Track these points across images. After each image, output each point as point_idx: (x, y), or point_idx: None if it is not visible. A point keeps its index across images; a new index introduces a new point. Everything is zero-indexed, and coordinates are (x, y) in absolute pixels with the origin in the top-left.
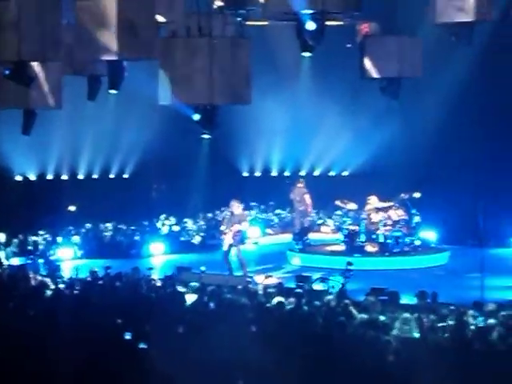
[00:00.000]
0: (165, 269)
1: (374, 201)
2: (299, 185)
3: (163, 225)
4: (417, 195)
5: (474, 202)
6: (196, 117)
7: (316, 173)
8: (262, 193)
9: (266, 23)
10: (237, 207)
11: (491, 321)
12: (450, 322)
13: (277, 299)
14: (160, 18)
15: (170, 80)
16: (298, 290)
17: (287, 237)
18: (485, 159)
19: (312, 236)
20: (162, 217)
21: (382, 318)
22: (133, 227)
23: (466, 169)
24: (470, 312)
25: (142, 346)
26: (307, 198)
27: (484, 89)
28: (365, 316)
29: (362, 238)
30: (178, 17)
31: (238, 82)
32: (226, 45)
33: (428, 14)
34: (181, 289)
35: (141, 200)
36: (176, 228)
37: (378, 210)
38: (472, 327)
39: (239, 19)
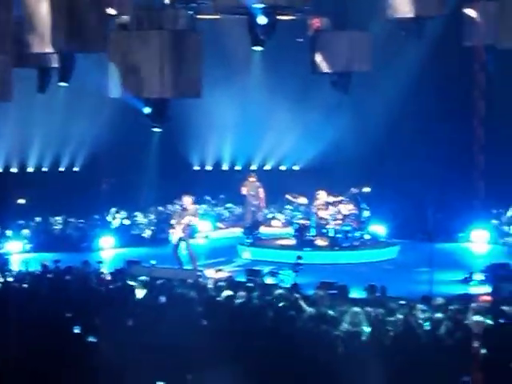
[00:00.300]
0: (115, 263)
1: (322, 195)
2: (251, 179)
3: (114, 218)
4: (366, 190)
5: (423, 197)
6: (147, 110)
7: (267, 167)
8: (213, 187)
9: (217, 17)
10: (188, 201)
11: (439, 315)
12: (399, 316)
13: (226, 293)
14: (110, 11)
15: (120, 73)
16: (249, 284)
17: (238, 231)
18: (435, 154)
19: (263, 230)
20: (113, 210)
21: (331, 312)
22: (83, 221)
23: (416, 164)
24: (419, 306)
25: (91, 339)
26: (261, 192)
27: (435, 82)
28: (314, 310)
29: (312, 232)
30: (128, 9)
31: (188, 76)
32: (176, 38)
33: (379, 8)
34: (131, 282)
35: (91, 193)
36: (126, 222)
37: (327, 204)
38: (420, 321)
39: (190, 13)
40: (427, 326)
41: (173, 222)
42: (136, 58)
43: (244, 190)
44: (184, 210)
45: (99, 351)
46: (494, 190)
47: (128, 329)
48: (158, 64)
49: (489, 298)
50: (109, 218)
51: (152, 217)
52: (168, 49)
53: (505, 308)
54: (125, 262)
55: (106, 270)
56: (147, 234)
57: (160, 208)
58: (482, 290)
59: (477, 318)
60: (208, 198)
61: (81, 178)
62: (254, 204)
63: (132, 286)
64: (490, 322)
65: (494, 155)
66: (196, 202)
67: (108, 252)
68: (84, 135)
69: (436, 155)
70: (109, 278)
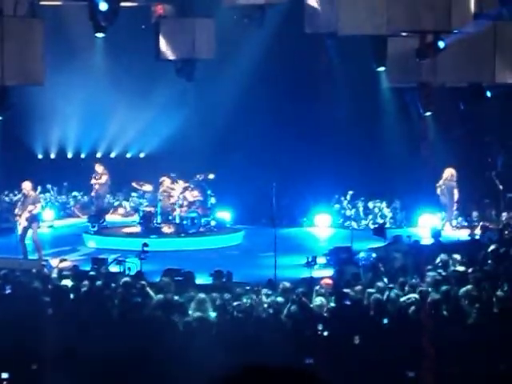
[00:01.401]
0: None
1: (166, 182)
2: (98, 167)
3: None
4: (211, 177)
5: (266, 183)
6: None
7: (112, 154)
8: (58, 175)
9: (59, 3)
10: (27, 186)
11: (281, 299)
12: (245, 301)
13: (69, 282)
14: None
15: None
16: (92, 273)
17: (83, 219)
18: (280, 140)
19: (108, 218)
20: None
21: (177, 298)
22: None
23: (261, 150)
24: (264, 290)
25: None
26: (105, 179)
27: (279, 70)
28: (161, 297)
29: (159, 219)
30: None
31: (30, 63)
32: (17, 25)
33: None
34: None
35: None
36: None
37: (172, 190)
38: (265, 305)
39: None
40: (270, 310)
41: (17, 211)
42: None
43: (93, 180)
44: (25, 197)
45: None
46: (335, 174)
47: None
48: None
49: (330, 280)
50: None
51: None
52: (8, 36)
53: (347, 290)
54: None
55: None
56: None
57: (3, 197)
58: (325, 274)
59: (320, 299)
60: (51, 186)
61: None
62: (100, 192)
63: None
64: (332, 304)
65: (335, 138)
66: (40, 191)
67: None
68: None
69: (280, 142)
70: None
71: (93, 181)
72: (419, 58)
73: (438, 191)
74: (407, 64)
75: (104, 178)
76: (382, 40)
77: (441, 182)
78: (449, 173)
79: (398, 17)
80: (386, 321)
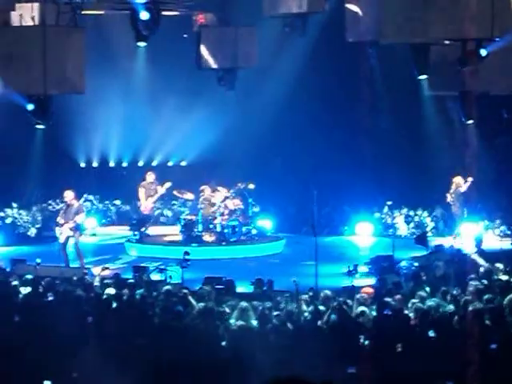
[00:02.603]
0: None
1: (207, 191)
2: (149, 175)
3: None
4: (251, 186)
5: (308, 192)
6: (30, 107)
7: (154, 163)
8: (100, 184)
9: (100, 12)
10: (69, 196)
11: (322, 307)
12: (286, 309)
13: (109, 290)
14: None
15: (2, 69)
16: (131, 281)
17: (125, 228)
18: (321, 149)
19: (150, 226)
20: None
21: (218, 307)
22: None
23: (302, 158)
24: (305, 296)
25: None
26: (159, 189)
27: (320, 79)
28: (202, 305)
29: (200, 227)
30: (9, 5)
31: (71, 72)
32: (59, 34)
33: (263, 5)
34: (14, 282)
35: None
36: (9, 220)
37: (212, 198)
38: (306, 314)
39: (73, 8)
40: (308, 316)
41: (59, 219)
42: (19, 54)
43: (141, 191)
44: (68, 206)
45: None
46: (376, 183)
47: (15, 326)
48: (40, 60)
49: (371, 289)
50: None
51: (37, 214)
52: (51, 44)
53: (388, 299)
54: (9, 260)
55: None
56: (32, 232)
57: (46, 206)
58: (366, 282)
59: (361, 309)
60: (92, 195)
61: None
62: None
63: (15, 285)
64: (374, 313)
65: (376, 146)
66: (82, 200)
67: None
68: None
69: (321, 150)
70: None
71: (141, 191)
72: (461, 66)
73: (449, 200)
74: (449, 72)
75: (156, 188)
76: (423, 48)
77: (451, 190)
78: (457, 181)
79: (439, 25)
80: (428, 330)
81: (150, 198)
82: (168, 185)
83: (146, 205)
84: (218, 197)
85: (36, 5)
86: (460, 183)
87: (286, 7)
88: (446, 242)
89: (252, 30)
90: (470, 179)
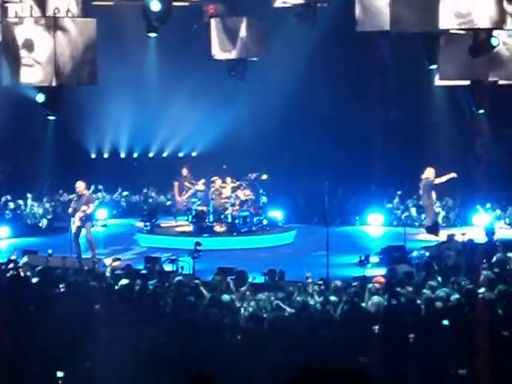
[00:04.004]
0: (8, 252)
1: (218, 181)
2: (184, 171)
3: (7, 207)
4: (264, 177)
5: (319, 182)
6: (40, 98)
7: (165, 154)
8: (111, 175)
9: (111, 3)
10: (81, 186)
11: (333, 297)
12: (298, 299)
13: (123, 281)
14: None
15: (12, 61)
16: (144, 272)
17: (136, 218)
18: (332, 139)
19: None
20: (6, 199)
21: (230, 296)
22: None
23: (313, 149)
24: (316, 288)
25: None
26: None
27: (330, 69)
28: (213, 295)
29: (211, 218)
30: None
31: (83, 63)
32: (70, 25)
33: None
34: (26, 272)
35: None
36: (22, 211)
37: (223, 189)
38: (317, 305)
39: None
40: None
41: (70, 210)
42: (29, 46)
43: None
44: (79, 196)
45: None
46: (387, 173)
47: (24, 318)
48: (51, 51)
49: (383, 279)
50: (3, 207)
51: (48, 205)
52: (62, 35)
53: (399, 289)
54: (20, 251)
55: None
56: (43, 223)
57: (57, 197)
58: (377, 272)
59: (375, 298)
60: (105, 185)
61: None
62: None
63: (27, 276)
64: (385, 303)
65: (387, 137)
66: (93, 190)
67: (3, 242)
68: None
69: (331, 140)
70: (3, 267)
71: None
72: (472, 56)
73: (420, 191)
74: (460, 61)
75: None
76: (434, 38)
77: (423, 181)
78: (429, 172)
79: (450, 14)
80: (440, 320)
81: (185, 192)
82: (203, 181)
83: (179, 199)
84: (228, 187)
85: None
86: (428, 175)
87: None
88: (457, 232)
89: (262, 20)
90: (452, 175)
